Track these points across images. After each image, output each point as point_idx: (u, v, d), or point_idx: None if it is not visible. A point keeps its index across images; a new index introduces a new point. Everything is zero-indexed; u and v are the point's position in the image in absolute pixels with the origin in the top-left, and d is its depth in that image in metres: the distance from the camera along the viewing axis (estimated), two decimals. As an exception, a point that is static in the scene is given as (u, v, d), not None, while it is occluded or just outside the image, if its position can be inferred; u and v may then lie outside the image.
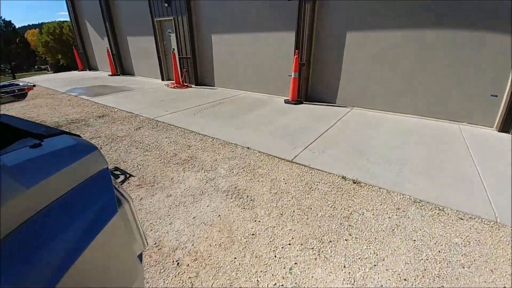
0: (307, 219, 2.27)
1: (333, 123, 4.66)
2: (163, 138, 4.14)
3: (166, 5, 8.04)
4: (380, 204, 2.46)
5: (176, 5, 7.82)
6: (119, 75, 11.16)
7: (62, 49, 22.87)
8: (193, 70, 8.34)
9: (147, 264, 1.86)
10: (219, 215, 2.35)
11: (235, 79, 7.62)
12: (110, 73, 11.30)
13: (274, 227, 2.19)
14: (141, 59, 10.36)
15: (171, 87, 8.24)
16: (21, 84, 2.86)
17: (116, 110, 5.78)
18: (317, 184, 2.79)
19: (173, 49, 8.38)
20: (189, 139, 4.09)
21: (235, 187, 2.77)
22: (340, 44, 5.49)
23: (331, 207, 2.42)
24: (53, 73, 16.21)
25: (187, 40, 8.03)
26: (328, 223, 2.23)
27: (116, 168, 3.25)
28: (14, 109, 6.08)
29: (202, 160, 3.37)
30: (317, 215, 2.32)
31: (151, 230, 2.19)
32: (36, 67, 33.53)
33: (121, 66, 11.15)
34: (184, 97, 6.89)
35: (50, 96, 7.33)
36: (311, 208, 2.41)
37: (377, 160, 3.28)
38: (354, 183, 2.80)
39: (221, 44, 7.53)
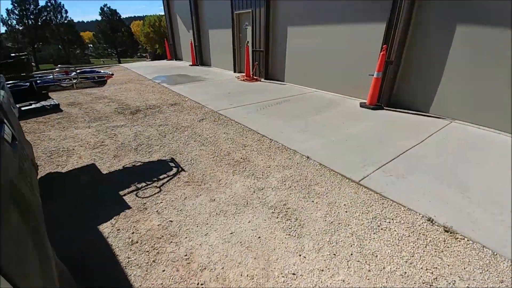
0: (369, 271, 1.73)
1: (422, 139, 3.72)
2: (221, 133, 4.04)
3: (246, -3, 8.00)
4: (481, 273, 1.71)
5: (256, -3, 7.68)
6: (198, 65, 11.95)
7: (160, 39, 26.17)
8: (264, 63, 8.16)
9: (171, 279, 1.69)
10: (259, 237, 2.03)
11: (306, 75, 7.08)
12: (191, 63, 12.20)
13: (322, 270, 1.74)
14: (218, 51, 10.78)
15: (240, 80, 8.28)
16: (102, 72, 3.08)
17: (187, 99, 6.07)
18: (390, 222, 2.16)
19: (247, 41, 8.35)
20: (246, 137, 3.88)
21: (284, 204, 2.39)
22: (447, 39, 4.32)
23: (406, 262, 1.80)
24: (150, 60, 18.74)
25: (262, 33, 7.85)
26: (399, 284, 1.64)
27: (172, 160, 3.29)
28: (109, 90, 7.08)
29: (254, 165, 3.10)
30: (383, 268, 1.75)
31: (186, 237, 2.04)
32: (138, 54, 39.69)
33: (200, 57, 11.89)
34: (251, 91, 6.78)
35: (139, 82, 8.30)
36: (376, 256, 1.84)
37: (483, 201, 2.37)
38: (446, 231, 2.05)
39: (296, 37, 7.05)
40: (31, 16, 30.38)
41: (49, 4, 31.36)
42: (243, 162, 3.17)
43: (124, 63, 29.13)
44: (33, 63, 29.75)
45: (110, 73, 3.19)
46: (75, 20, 39.11)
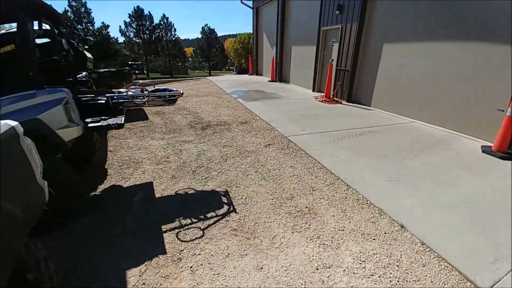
0: None
1: None
2: (287, 167, 3.45)
3: (337, 12, 7.33)
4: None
5: (349, 11, 6.91)
6: (276, 81, 11.81)
7: (246, 55, 27.95)
8: (348, 84, 7.22)
9: None
10: None
11: (400, 101, 5.81)
12: (270, 79, 12.17)
13: None
14: (298, 68, 10.35)
15: (319, 100, 7.55)
16: (173, 90, 2.97)
17: (257, 118, 5.75)
18: None
19: (332, 59, 7.59)
20: (316, 177, 3.17)
21: (361, 306, 1.59)
22: None
23: None
24: (235, 74, 20.01)
25: (350, 50, 6.98)
26: None
27: (226, 193, 2.88)
28: (190, 102, 7.47)
29: (322, 221, 2.37)
30: None
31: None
32: (226, 67, 43.54)
33: (280, 74, 11.73)
34: (329, 115, 5.98)
35: (218, 96, 8.59)
36: None
37: None
38: None
39: (392, 56, 5.92)
40: (147, 32, 37.17)
41: (162, 22, 37.86)
42: (308, 214, 2.48)
43: (213, 75, 32.25)
44: (145, 71, 36.27)
45: (181, 92, 3.06)
46: (181, 37, 46.04)
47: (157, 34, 37.75)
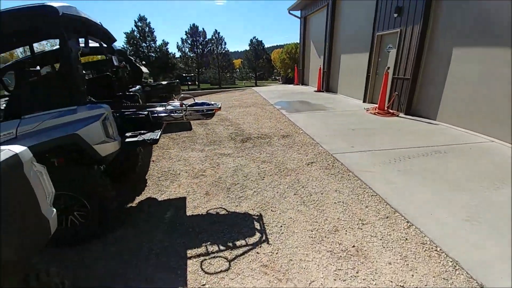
0: None
1: None
2: (331, 191, 3.01)
3: (395, 15, 6.60)
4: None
5: (409, 13, 6.14)
6: (323, 91, 11.23)
7: (292, 64, 27.78)
8: (407, 94, 6.35)
9: None
10: None
11: (477, 114, 4.81)
12: (316, 89, 11.65)
13: None
14: (347, 77, 9.65)
15: (370, 112, 6.81)
16: (212, 104, 2.85)
17: (301, 131, 5.38)
18: None
19: (388, 67, 6.81)
20: (367, 207, 2.66)
21: None
22: None
23: None
24: (281, 83, 19.91)
25: (411, 56, 6.16)
26: None
27: (260, 217, 2.59)
28: (234, 113, 7.47)
29: (374, 270, 1.89)
30: None
31: None
32: (272, 77, 43.95)
33: (327, 83, 11.13)
34: (384, 130, 5.27)
35: (261, 107, 8.45)
36: None
37: None
38: None
39: (466, 61, 4.98)
40: (200, 46, 39.85)
41: (213, 37, 40.24)
42: (355, 256, 2.03)
43: (259, 85, 32.79)
44: (196, 82, 38.74)
45: (219, 106, 2.93)
46: (231, 50, 48.15)
47: (209, 48, 40.25)
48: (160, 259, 2.09)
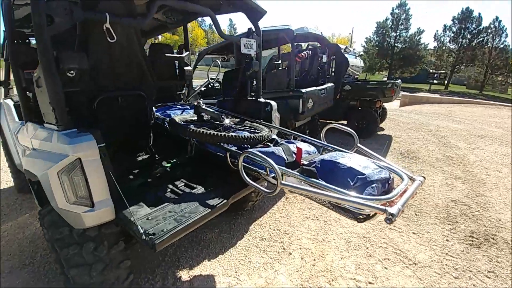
0: None
1: None
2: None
3: None
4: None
5: None
6: None
7: None
8: None
9: None
10: None
11: None
12: None
13: None
14: None
15: None
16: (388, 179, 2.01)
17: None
18: None
19: None
20: None
21: None
22: None
23: None
24: None
25: None
26: None
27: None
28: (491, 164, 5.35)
29: None
30: None
31: None
32: None
33: None
34: None
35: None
36: None
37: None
38: None
39: None
40: (468, 36, 30.50)
41: (491, 26, 28.89)
42: None
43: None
44: (445, 82, 31.30)
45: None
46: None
47: (480, 39, 30.09)
48: None
